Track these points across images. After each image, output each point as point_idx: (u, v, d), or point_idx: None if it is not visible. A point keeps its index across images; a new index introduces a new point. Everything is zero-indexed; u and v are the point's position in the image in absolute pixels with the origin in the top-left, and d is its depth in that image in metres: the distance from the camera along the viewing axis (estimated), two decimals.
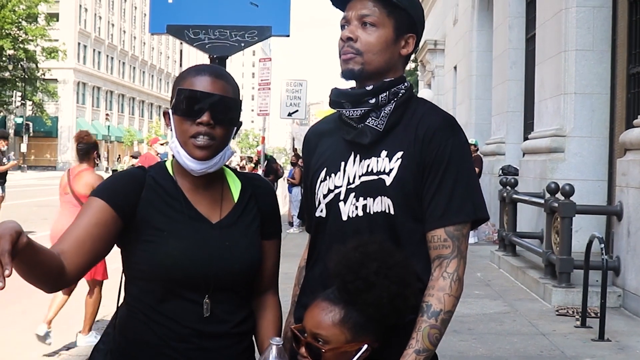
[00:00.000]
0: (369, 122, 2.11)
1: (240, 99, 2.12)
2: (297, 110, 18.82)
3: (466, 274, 2.09)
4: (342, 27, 2.17)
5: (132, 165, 14.98)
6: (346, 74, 2.16)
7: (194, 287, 2.02)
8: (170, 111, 2.08)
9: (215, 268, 2.03)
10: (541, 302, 8.30)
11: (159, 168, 2.16)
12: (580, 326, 7.04)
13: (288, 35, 4.78)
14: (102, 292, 6.59)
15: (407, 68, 30.61)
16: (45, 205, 22.91)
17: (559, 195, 8.38)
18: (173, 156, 2.12)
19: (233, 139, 2.14)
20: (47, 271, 1.82)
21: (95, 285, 6.55)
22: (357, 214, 2.11)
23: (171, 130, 2.08)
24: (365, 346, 1.92)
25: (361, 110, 2.11)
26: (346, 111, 2.14)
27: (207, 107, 2.00)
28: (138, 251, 2.03)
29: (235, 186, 2.19)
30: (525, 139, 12.80)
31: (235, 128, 2.11)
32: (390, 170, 2.07)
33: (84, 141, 6.75)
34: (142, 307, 2.04)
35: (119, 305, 2.15)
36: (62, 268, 1.87)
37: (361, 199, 2.10)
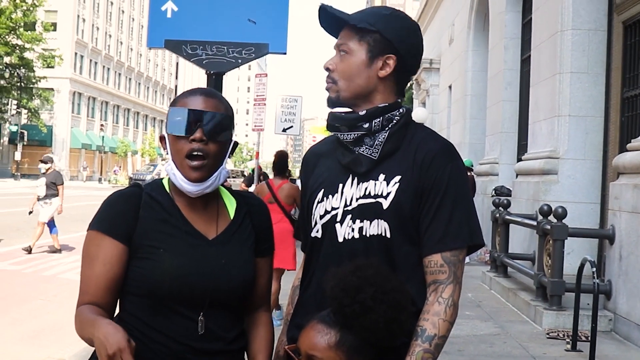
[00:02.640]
0: (363, 151, 2.13)
1: (234, 117, 2.15)
2: (291, 126, 18.85)
3: None
4: None
5: (44, 171, 14.88)
6: (327, 102, 2.22)
7: (189, 303, 2.03)
8: (165, 134, 2.11)
9: (211, 285, 2.04)
10: (532, 325, 8.29)
11: (155, 185, 2.18)
12: (571, 350, 7.04)
13: (285, 53, 4.80)
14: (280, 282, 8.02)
15: None
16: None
17: (551, 218, 8.39)
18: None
19: (229, 157, 2.16)
20: None
21: (279, 274, 7.94)
22: (353, 236, 2.11)
23: (167, 152, 2.11)
24: None
25: (355, 134, 2.14)
26: (341, 134, 2.17)
27: (200, 124, 2.03)
28: (134, 267, 2.04)
29: (231, 204, 2.22)
30: (519, 160, 12.85)
31: (231, 147, 2.13)
32: (388, 193, 2.08)
33: (285, 159, 8.23)
34: (136, 323, 2.04)
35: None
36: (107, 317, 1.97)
37: (358, 221, 2.11)
